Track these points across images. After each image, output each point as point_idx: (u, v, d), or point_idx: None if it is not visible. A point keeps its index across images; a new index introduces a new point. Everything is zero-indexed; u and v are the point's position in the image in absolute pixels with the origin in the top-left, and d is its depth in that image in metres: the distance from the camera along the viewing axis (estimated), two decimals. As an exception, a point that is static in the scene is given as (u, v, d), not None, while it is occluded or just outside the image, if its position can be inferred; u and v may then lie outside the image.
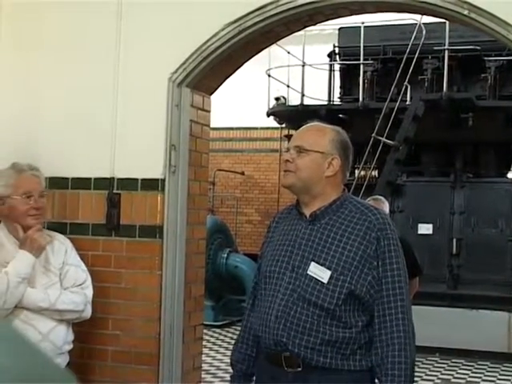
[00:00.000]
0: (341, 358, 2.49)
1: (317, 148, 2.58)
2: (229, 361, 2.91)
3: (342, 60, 11.46)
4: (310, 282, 2.51)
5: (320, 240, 2.56)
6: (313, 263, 2.53)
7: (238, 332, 2.98)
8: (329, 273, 2.49)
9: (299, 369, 2.51)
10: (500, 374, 8.45)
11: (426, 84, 10.42)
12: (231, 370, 2.86)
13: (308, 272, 2.52)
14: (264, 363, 2.66)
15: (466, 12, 3.53)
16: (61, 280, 3.49)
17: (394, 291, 2.50)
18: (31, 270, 3.36)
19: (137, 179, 4.00)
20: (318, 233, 2.57)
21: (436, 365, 8.93)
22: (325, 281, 2.49)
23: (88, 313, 3.55)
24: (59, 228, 3.87)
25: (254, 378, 2.79)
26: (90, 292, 3.55)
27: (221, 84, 4.38)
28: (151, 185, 3.96)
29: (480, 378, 8.35)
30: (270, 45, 4.38)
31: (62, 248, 3.57)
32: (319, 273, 2.51)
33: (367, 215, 2.55)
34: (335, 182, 2.62)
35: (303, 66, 11.41)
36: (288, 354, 2.52)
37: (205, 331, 6.04)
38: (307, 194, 2.61)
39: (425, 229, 10.29)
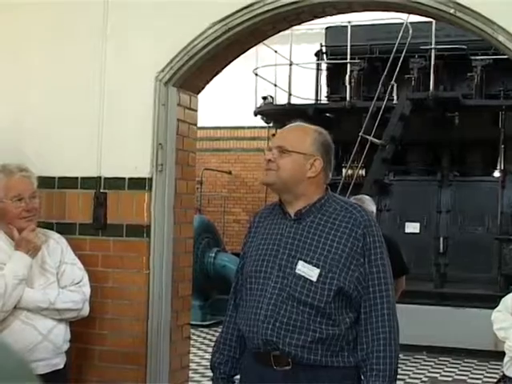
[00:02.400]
0: (330, 355, 2.50)
1: (299, 149, 2.57)
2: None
3: (329, 59, 11.49)
4: (298, 280, 2.51)
5: (306, 238, 2.55)
6: (301, 262, 2.52)
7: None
8: (317, 271, 2.49)
9: (288, 367, 2.51)
10: (487, 372, 8.48)
11: (413, 83, 10.47)
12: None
13: (296, 271, 2.51)
14: (251, 363, 2.63)
15: (452, 11, 3.54)
16: (58, 279, 3.47)
17: (380, 287, 2.51)
18: (28, 271, 3.33)
19: (124, 178, 3.98)
20: (303, 231, 2.57)
21: (423, 363, 8.96)
22: (314, 279, 2.49)
23: (86, 311, 3.54)
24: (46, 228, 3.84)
25: (238, 380, 2.76)
26: (87, 290, 3.54)
27: (208, 83, 4.37)
28: (138, 184, 3.95)
29: (467, 375, 8.38)
30: (257, 44, 4.38)
31: (57, 247, 3.55)
32: (308, 271, 2.50)
33: (352, 213, 2.56)
34: (317, 182, 2.61)
35: (290, 65, 11.43)
36: (278, 353, 2.51)
37: (192, 331, 6.03)
38: (290, 194, 2.61)
39: (412, 227, 10.34)
